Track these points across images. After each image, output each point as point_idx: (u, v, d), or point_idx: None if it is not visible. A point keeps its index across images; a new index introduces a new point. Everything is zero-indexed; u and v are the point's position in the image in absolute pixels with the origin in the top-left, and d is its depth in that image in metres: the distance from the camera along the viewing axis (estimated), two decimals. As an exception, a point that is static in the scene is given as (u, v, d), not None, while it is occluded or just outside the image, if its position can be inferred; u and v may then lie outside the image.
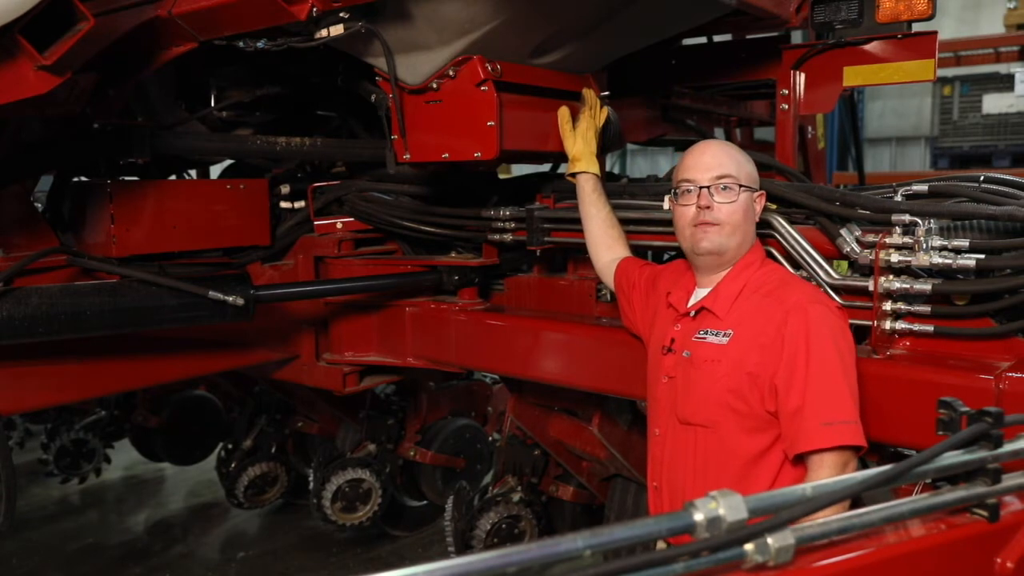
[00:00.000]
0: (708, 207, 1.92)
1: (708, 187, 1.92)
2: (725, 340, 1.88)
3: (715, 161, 1.94)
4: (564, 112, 2.65)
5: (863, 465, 2.13)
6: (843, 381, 1.75)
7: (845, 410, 1.73)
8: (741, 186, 1.93)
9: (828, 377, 1.75)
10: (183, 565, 4.36)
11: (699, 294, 2.01)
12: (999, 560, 1.16)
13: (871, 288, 2.13)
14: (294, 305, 3.27)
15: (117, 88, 2.72)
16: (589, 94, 2.69)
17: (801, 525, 1.00)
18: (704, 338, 1.92)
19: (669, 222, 2.45)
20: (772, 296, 1.87)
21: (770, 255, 2.23)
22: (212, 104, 3.29)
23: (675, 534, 0.94)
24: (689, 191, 1.96)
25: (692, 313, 1.99)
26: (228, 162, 3.88)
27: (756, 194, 1.99)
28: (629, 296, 2.33)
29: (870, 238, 2.15)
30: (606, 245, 2.47)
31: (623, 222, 2.53)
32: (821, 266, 2.26)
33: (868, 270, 2.16)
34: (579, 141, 2.58)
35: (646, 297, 2.25)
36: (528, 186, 3.10)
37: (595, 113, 2.65)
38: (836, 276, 2.25)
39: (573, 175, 2.56)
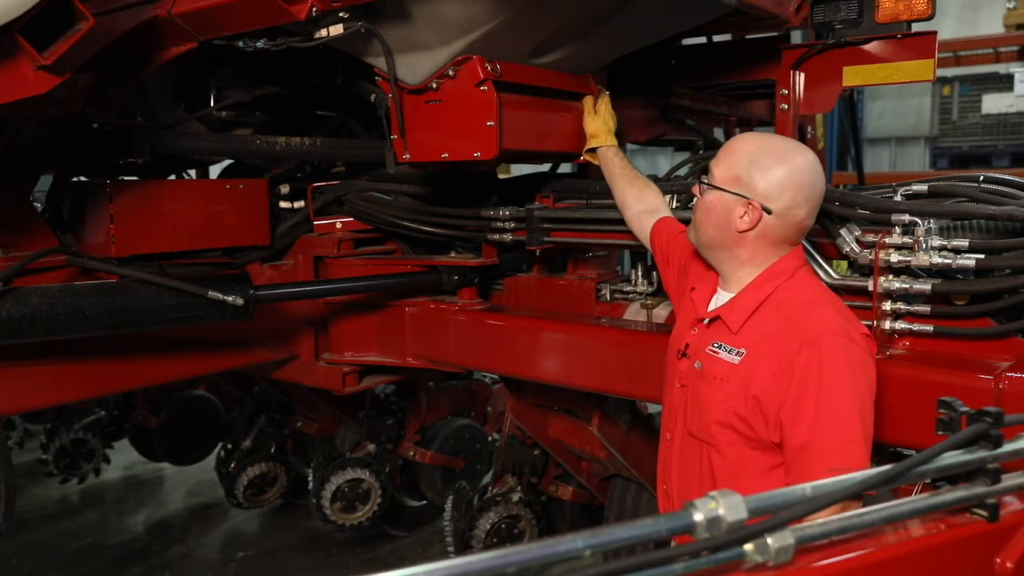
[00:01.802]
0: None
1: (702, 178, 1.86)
2: (737, 359, 1.74)
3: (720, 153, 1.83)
4: (589, 99, 2.80)
5: (863, 465, 2.13)
6: (858, 424, 1.59)
7: (856, 457, 1.57)
8: (709, 185, 1.80)
9: (841, 419, 1.59)
10: (182, 565, 4.36)
11: (720, 299, 1.85)
12: (999, 560, 1.16)
13: (871, 288, 2.14)
14: (294, 305, 3.27)
15: (117, 88, 2.72)
16: (605, 91, 2.85)
17: (801, 525, 0.99)
18: (717, 352, 1.78)
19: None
20: (792, 320, 1.69)
21: None
22: (212, 104, 3.28)
23: (675, 534, 0.94)
24: None
25: (707, 320, 1.85)
26: (228, 162, 3.88)
27: (742, 201, 1.73)
28: (664, 268, 2.21)
29: (870, 238, 2.15)
30: (635, 197, 2.43)
31: (623, 222, 2.53)
32: (821, 266, 2.27)
33: (868, 270, 2.16)
34: (597, 120, 2.72)
35: (679, 279, 2.11)
36: (528, 186, 3.10)
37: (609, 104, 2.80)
38: (836, 276, 2.25)
39: (592, 151, 2.67)
